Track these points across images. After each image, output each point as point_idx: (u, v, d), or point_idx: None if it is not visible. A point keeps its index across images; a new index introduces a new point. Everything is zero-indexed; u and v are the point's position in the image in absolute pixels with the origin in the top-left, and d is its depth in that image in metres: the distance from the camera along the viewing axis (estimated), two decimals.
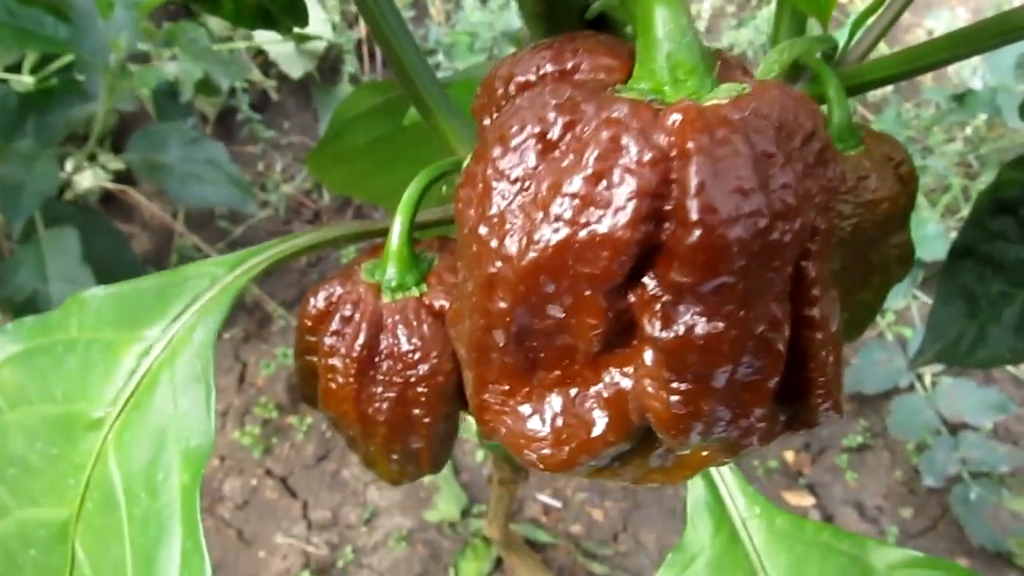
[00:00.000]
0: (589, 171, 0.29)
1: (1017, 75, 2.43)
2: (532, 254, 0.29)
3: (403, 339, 0.53)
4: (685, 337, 0.29)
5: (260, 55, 2.64)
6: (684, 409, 0.30)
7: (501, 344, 0.32)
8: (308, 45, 2.55)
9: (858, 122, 0.66)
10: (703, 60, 0.31)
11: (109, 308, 0.55)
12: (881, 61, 0.65)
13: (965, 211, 2.46)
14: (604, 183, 0.29)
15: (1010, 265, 1.07)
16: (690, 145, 0.28)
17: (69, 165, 2.16)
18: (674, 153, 0.28)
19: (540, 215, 0.29)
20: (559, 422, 0.33)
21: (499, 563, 1.90)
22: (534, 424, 0.33)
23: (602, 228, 0.28)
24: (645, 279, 0.30)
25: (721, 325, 0.29)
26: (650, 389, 0.30)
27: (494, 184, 0.31)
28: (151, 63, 2.15)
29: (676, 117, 0.28)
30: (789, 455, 2.11)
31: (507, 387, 0.33)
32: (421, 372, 0.53)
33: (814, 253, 0.31)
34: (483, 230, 0.31)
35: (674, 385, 0.30)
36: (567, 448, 0.32)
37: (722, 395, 0.30)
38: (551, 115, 0.30)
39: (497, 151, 0.31)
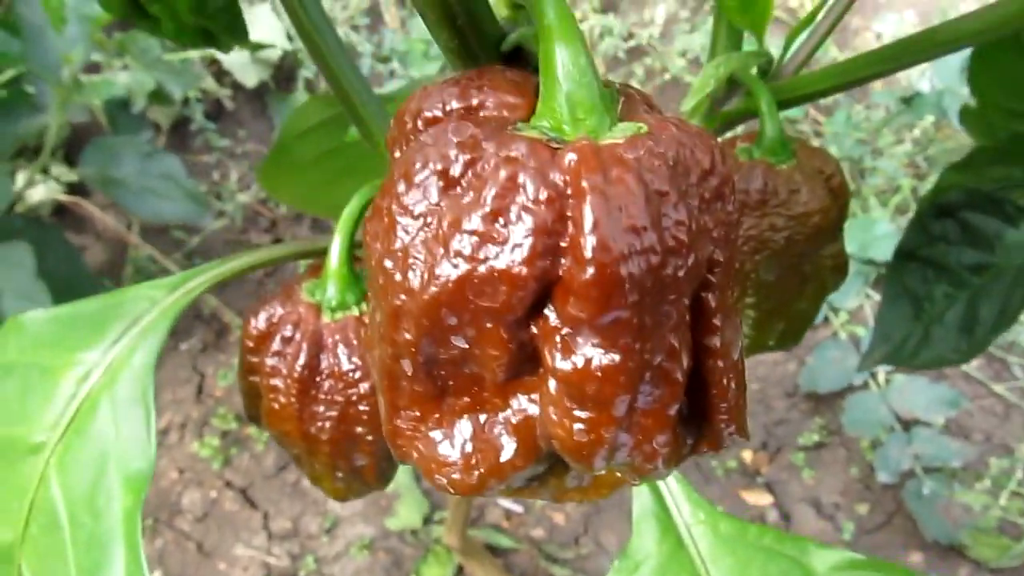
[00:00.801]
0: (487, 209, 0.29)
1: (963, 78, 2.49)
2: (433, 289, 0.30)
3: (343, 358, 0.54)
4: (584, 368, 0.30)
5: (214, 64, 2.62)
6: (586, 437, 0.31)
7: (409, 372, 0.33)
8: (262, 54, 2.53)
9: (793, 135, 0.67)
10: (602, 99, 0.32)
11: (47, 331, 0.55)
12: (816, 74, 0.67)
13: (914, 211, 2.50)
14: (502, 220, 0.29)
15: (952, 267, 1.09)
16: (584, 184, 0.29)
17: (21, 179, 2.13)
18: (570, 192, 0.29)
19: (441, 251, 0.30)
20: (468, 447, 0.33)
21: (461, 569, 1.90)
22: (444, 449, 0.34)
23: (500, 264, 0.29)
24: (547, 311, 0.31)
25: (617, 357, 0.30)
26: (554, 417, 0.31)
27: (398, 219, 0.32)
28: (102, 73, 2.13)
29: (572, 157, 0.29)
30: (747, 454, 2.14)
31: (417, 413, 0.34)
32: (362, 390, 0.54)
33: (714, 284, 0.32)
34: (388, 263, 0.32)
35: (576, 413, 0.31)
36: (476, 473, 0.33)
37: (623, 422, 0.31)
38: (453, 152, 0.31)
39: (401, 186, 0.32)
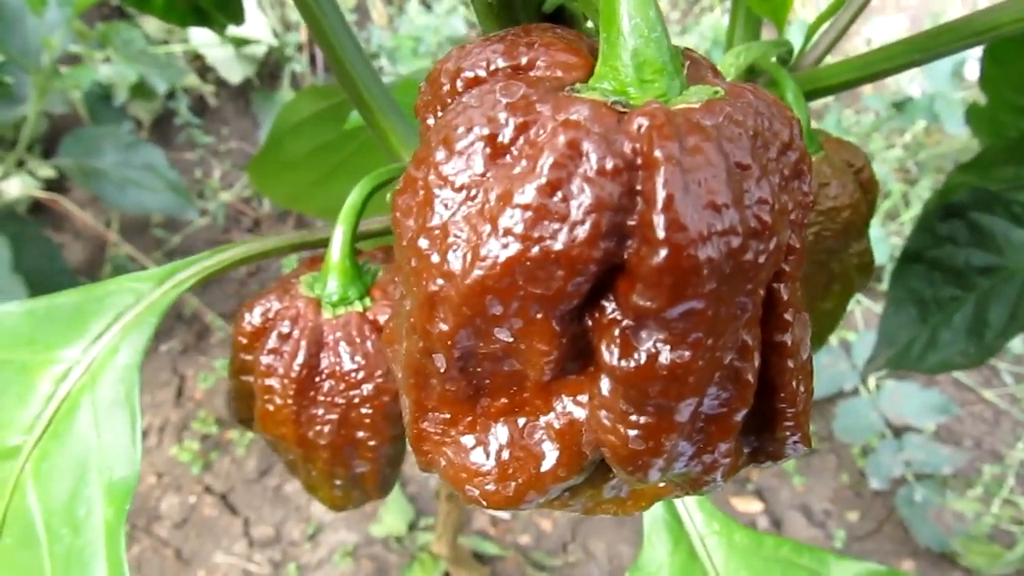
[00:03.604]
0: (543, 180, 0.25)
1: (953, 82, 2.48)
2: (478, 272, 0.26)
3: (345, 357, 0.50)
4: (647, 367, 0.26)
5: (198, 59, 2.57)
6: (643, 445, 0.27)
7: (442, 369, 0.29)
8: (247, 49, 2.48)
9: (817, 127, 0.64)
10: (672, 59, 0.28)
11: (23, 327, 0.50)
12: (839, 65, 0.64)
13: (905, 216, 2.49)
14: (560, 194, 0.25)
15: (959, 269, 1.07)
16: (657, 153, 0.25)
17: None
18: (639, 162, 0.25)
19: (488, 228, 0.26)
20: (505, 455, 0.30)
21: None
22: (477, 457, 0.30)
23: (557, 245, 0.25)
24: (604, 301, 0.27)
25: (687, 354, 0.26)
26: (606, 422, 0.27)
27: (436, 191, 0.27)
28: (83, 65, 2.08)
29: (642, 121, 0.25)
30: None
31: (448, 415, 0.30)
32: (365, 392, 0.50)
33: (787, 274, 0.29)
34: (423, 243, 0.28)
35: (633, 418, 0.27)
36: (513, 484, 0.29)
37: (686, 430, 0.27)
38: (502, 115, 0.27)
39: (441, 154, 0.28)
